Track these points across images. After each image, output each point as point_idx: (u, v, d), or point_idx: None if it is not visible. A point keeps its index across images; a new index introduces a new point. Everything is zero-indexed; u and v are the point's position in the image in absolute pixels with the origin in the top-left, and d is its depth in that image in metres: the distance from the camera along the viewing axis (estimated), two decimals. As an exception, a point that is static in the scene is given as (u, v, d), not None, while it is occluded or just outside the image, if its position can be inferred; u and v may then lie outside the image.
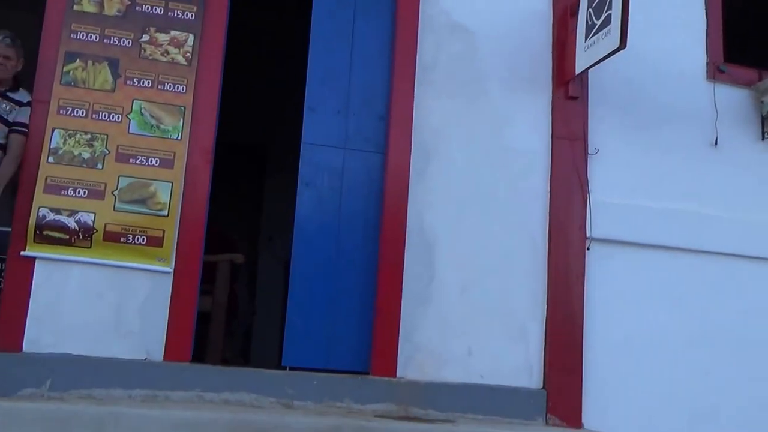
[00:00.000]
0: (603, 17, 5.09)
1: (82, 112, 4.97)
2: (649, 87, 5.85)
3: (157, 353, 4.82)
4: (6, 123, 4.91)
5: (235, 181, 8.67)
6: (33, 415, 4.21)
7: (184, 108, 5.10)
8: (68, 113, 4.95)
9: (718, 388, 5.58)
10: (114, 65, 5.06)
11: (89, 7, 5.09)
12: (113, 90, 5.04)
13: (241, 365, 5.90)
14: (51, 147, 4.89)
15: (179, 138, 5.06)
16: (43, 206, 4.80)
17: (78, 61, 5.02)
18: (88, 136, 4.95)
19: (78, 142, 4.92)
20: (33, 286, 4.75)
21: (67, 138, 4.92)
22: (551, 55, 5.74)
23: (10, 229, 4.85)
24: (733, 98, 6.03)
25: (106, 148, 4.95)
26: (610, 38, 5.00)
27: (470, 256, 5.39)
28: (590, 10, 5.28)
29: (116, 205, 4.90)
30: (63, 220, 4.80)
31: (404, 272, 5.23)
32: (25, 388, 4.56)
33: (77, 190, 4.87)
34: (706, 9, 6.08)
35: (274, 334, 7.45)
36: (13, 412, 4.19)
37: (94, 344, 4.75)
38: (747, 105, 6.07)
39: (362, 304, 5.26)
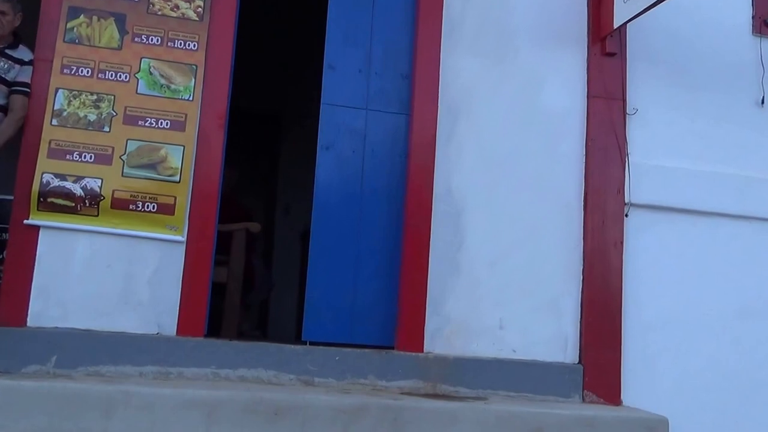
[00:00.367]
0: (645, -35, 4.77)
1: (88, 72, 4.70)
2: (691, 42, 5.54)
3: (170, 327, 4.61)
4: (5, 83, 4.66)
5: (249, 149, 8.49)
6: (37, 393, 3.99)
7: (196, 67, 4.83)
8: (72, 72, 4.68)
9: (766, 363, 5.31)
10: (120, 21, 4.78)
11: (93, -41, 4.79)
12: (120, 48, 4.77)
13: (259, 340, 5.62)
14: (54, 108, 4.62)
15: (191, 98, 4.79)
16: (46, 172, 4.54)
17: (82, 16, 4.73)
18: (94, 96, 4.68)
19: (83, 103, 4.66)
20: (37, 257, 4.52)
21: (71, 99, 4.65)
22: (587, 8, 5.44)
23: (12, 197, 4.61)
24: (781, 54, 5.71)
25: (113, 109, 4.69)
26: (652, -12, 4.69)
27: (501, 222, 5.14)
28: (631, -43, 4.95)
29: (124, 171, 4.65)
30: (68, 187, 4.55)
31: (431, 240, 4.98)
32: (30, 365, 4.35)
33: (83, 155, 4.60)
34: (752, -42, 5.74)
35: (293, 307, 7.44)
36: (16, 391, 3.97)
37: (103, 318, 4.53)
38: (795, 62, 5.73)
39: (387, 274, 5.01)
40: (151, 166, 4.66)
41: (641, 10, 4.86)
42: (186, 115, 4.75)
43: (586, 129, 5.31)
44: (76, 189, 4.55)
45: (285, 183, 9.13)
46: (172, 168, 4.69)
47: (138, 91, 4.74)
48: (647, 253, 5.26)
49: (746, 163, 5.49)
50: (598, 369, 5.02)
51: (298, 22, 7.63)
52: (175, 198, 4.67)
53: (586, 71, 5.37)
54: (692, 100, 5.52)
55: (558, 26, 5.40)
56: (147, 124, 4.71)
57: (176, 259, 4.66)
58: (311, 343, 4.80)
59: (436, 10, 5.23)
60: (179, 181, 4.68)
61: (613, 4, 5.15)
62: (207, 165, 4.77)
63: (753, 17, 5.68)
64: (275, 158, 9.35)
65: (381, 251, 5.04)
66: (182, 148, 4.71)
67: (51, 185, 4.53)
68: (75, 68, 4.67)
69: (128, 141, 4.66)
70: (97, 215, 4.57)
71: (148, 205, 4.63)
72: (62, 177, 4.54)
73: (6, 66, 4.68)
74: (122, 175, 4.63)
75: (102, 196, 4.58)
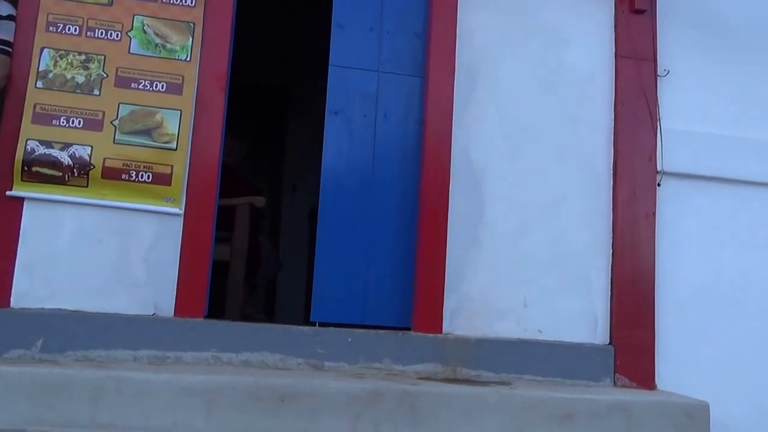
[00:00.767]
0: None
1: (75, 29, 4.35)
2: (726, -2, 5.20)
3: (167, 308, 4.29)
4: (-17, 41, 4.29)
5: (254, 125, 8.23)
6: (21, 380, 3.67)
7: (194, 24, 4.49)
8: (59, 30, 4.33)
9: (812, 341, 4.97)
10: (111, -26, 4.45)
11: None
12: (110, 3, 4.42)
13: (264, 322, 5.32)
14: (39, 70, 4.28)
15: (188, 59, 4.45)
16: (31, 138, 4.21)
17: (69, -31, 4.39)
18: (83, 56, 4.34)
19: (71, 63, 4.32)
20: (21, 232, 4.19)
21: (58, 59, 4.31)
22: (614, -40, 5.09)
23: (-6, 167, 4.29)
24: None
25: (103, 70, 4.35)
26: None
27: (524, 193, 4.82)
28: None
29: (116, 137, 4.31)
30: (55, 155, 4.22)
31: (449, 212, 4.66)
32: (13, 349, 4.03)
33: (71, 120, 4.27)
34: None
35: (301, 291, 7.15)
36: (-2, 377, 3.67)
37: (93, 298, 4.21)
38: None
39: (402, 249, 4.69)
40: (146, 133, 4.34)
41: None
42: (183, 76, 4.42)
43: (614, 92, 4.98)
44: (64, 157, 4.22)
45: (292, 161, 8.84)
46: (168, 134, 4.36)
47: (130, 51, 4.39)
48: (682, 225, 4.94)
49: (789, 128, 5.14)
50: (630, 350, 4.71)
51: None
52: (172, 167, 4.34)
53: (613, 29, 5.03)
54: (727, 61, 5.17)
55: (583, -20, 5.06)
56: (140, 86, 4.37)
57: (174, 233, 4.35)
58: (320, 324, 4.49)
59: (452, -38, 4.88)
60: (176, 149, 4.36)
61: (642, -45, 4.82)
62: (206, 131, 4.44)
63: (794, -29, 5.31)
64: (281, 135, 9.00)
65: (395, 224, 4.71)
66: (179, 112, 4.39)
67: (36, 153, 4.20)
68: (61, 26, 4.33)
69: (120, 105, 4.33)
70: (87, 186, 4.25)
71: (142, 175, 4.31)
72: (48, 144, 4.22)
73: (-17, 22, 4.33)
74: (114, 142, 4.29)
75: (92, 165, 4.25)
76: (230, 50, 4.56)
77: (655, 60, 5.01)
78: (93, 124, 4.28)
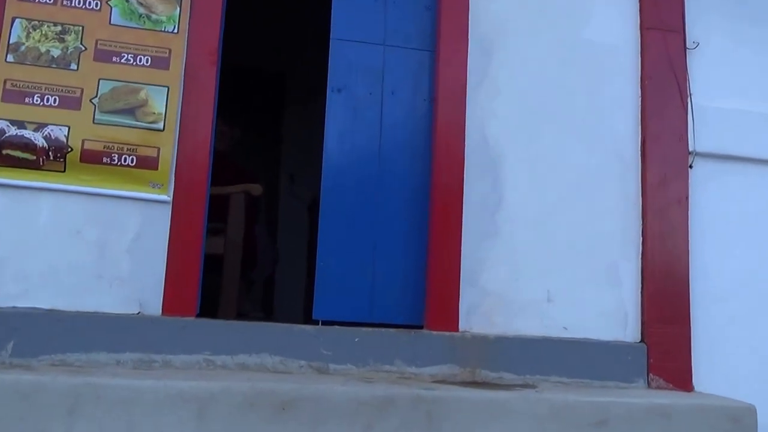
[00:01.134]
0: None
1: (50, -3, 4.09)
2: (761, -37, 4.93)
3: (154, 306, 4.01)
4: (-53, 11, 3.99)
5: (247, 110, 7.93)
6: None
7: (182, -8, 4.23)
8: (31, -1, 4.06)
9: None
10: (89, -63, 4.18)
11: None
12: (88, -32, 4.15)
13: (262, 321, 5.03)
14: (10, 42, 4.00)
15: (176, 31, 4.17)
16: (2, 118, 3.92)
17: (42, -71, 4.11)
18: (59, 27, 4.05)
19: (45, 35, 4.03)
20: (-9, 222, 3.92)
21: (30, 30, 4.02)
22: None
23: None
24: None
25: (81, 43, 4.06)
26: None
27: (545, 177, 4.52)
28: None
29: (96, 117, 4.02)
30: (28, 136, 3.93)
31: (464, 199, 4.36)
32: (-19, 353, 3.76)
33: (45, 98, 3.98)
34: None
35: (299, 285, 6.88)
36: (-36, 384, 3.36)
37: (71, 295, 3.93)
38: None
39: (413, 240, 4.38)
40: (129, 112, 4.06)
41: None
42: (170, 50, 4.14)
43: (640, 66, 4.72)
44: (38, 139, 3.93)
45: (289, 150, 8.54)
46: (153, 113, 4.07)
47: (111, 22, 4.12)
48: (716, 211, 4.66)
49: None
50: (663, 348, 4.39)
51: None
52: (159, 149, 4.06)
53: (639, -1, 4.79)
54: (762, 33, 4.92)
55: (606, -55, 4.80)
56: (123, 60, 4.09)
57: (161, 223, 4.07)
58: (324, 323, 4.21)
59: (464, -74, 4.59)
60: (163, 129, 4.07)
61: None
62: (196, 109, 4.13)
63: (833, -65, 5.03)
64: (278, 123, 8.70)
65: (404, 212, 4.41)
66: (166, 89, 4.11)
67: (7, 134, 3.91)
68: (34, -7, 4.06)
69: (100, 81, 4.05)
70: (64, 171, 3.96)
71: (125, 158, 4.02)
72: (20, 124, 3.93)
73: (-54, -11, 4.03)
74: (93, 122, 4.02)
75: (69, 147, 3.96)
76: (222, 21, 4.27)
77: (683, 31, 4.77)
78: (70, 102, 4.00)
